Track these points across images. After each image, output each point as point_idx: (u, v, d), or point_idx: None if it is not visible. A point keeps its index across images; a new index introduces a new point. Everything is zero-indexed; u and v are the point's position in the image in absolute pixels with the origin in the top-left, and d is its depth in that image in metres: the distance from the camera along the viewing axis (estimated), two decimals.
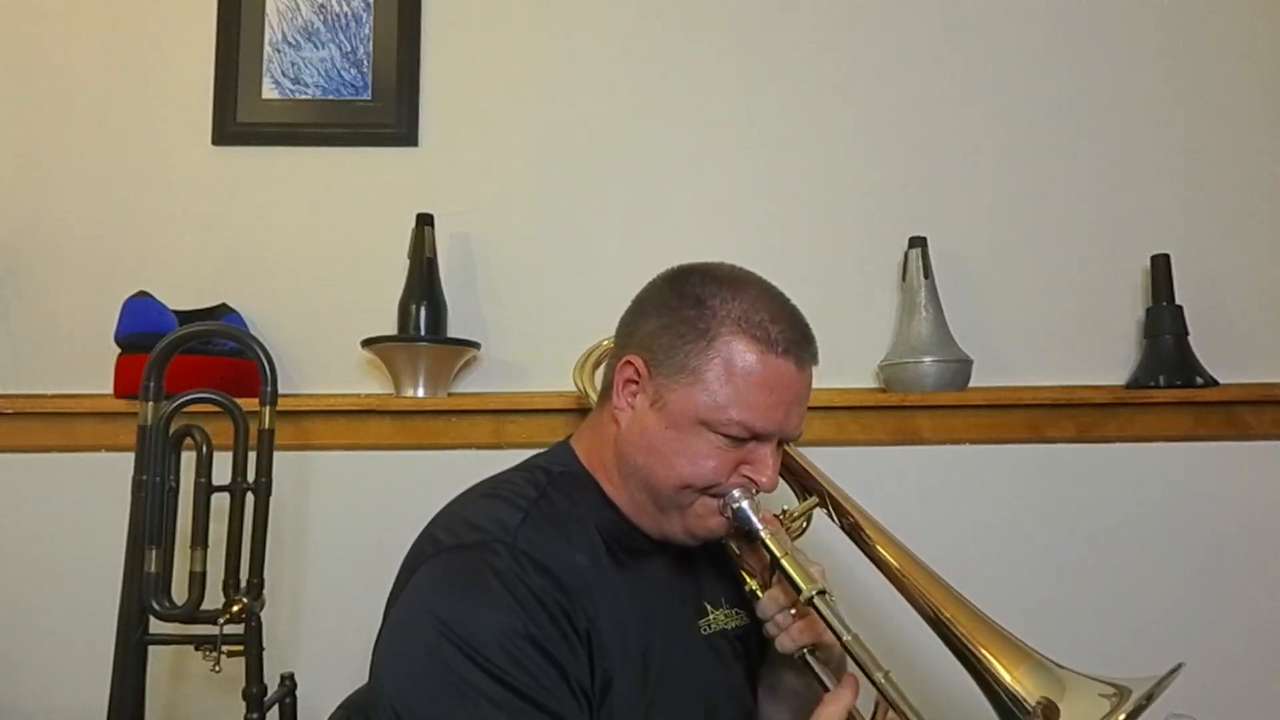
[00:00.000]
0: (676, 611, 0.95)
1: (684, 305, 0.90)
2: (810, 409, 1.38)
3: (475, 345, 1.43)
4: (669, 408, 0.88)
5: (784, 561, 0.87)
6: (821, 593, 0.84)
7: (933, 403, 1.41)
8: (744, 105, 1.53)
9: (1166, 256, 1.46)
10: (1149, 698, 0.78)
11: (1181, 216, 1.52)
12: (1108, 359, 1.49)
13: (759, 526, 0.89)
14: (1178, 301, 1.44)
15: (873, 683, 0.80)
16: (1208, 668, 1.41)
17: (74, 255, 1.48)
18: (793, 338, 0.89)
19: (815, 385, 1.42)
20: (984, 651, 0.84)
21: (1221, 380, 1.43)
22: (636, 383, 0.92)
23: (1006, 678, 0.81)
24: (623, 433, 0.92)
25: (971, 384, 1.43)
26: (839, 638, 0.82)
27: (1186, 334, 1.44)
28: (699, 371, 0.87)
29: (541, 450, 1.02)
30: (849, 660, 0.84)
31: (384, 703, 0.80)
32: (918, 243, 1.46)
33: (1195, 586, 1.43)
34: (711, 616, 0.98)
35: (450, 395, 1.42)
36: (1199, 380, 1.41)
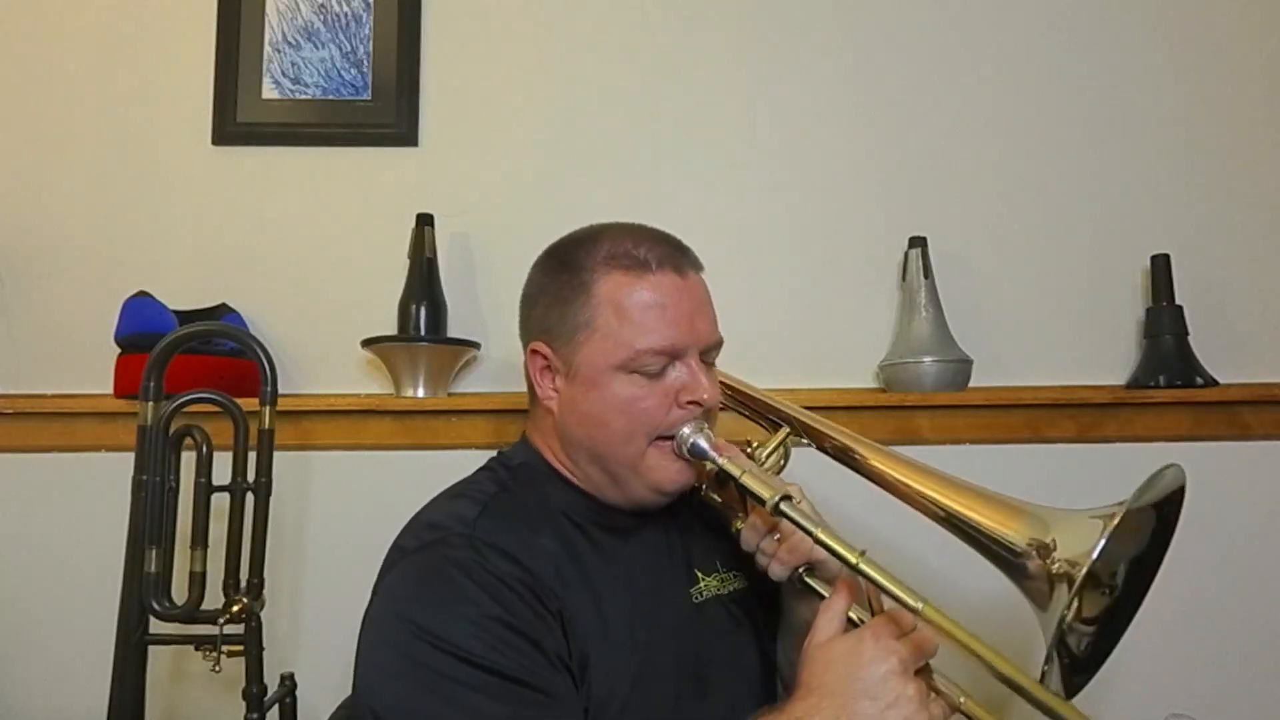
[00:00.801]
0: (665, 583, 0.95)
1: (556, 274, 0.93)
2: (810, 409, 1.40)
3: (475, 345, 1.43)
4: (582, 371, 0.89)
5: (744, 479, 0.86)
6: (786, 498, 0.83)
7: (933, 403, 1.41)
8: (744, 105, 1.53)
9: (1166, 256, 1.46)
10: (1146, 502, 0.78)
11: (1181, 216, 1.52)
12: (1108, 359, 1.49)
13: (714, 454, 0.88)
14: (1178, 301, 1.44)
15: (851, 568, 0.78)
16: (1208, 668, 1.42)
17: (74, 255, 1.47)
18: (664, 251, 0.90)
19: (815, 385, 1.46)
20: (985, 520, 0.83)
21: (1221, 380, 1.43)
22: (549, 366, 0.93)
23: (1003, 531, 0.81)
24: (559, 418, 0.93)
25: (971, 384, 1.43)
26: (810, 534, 0.80)
27: (1186, 334, 1.44)
28: (592, 323, 0.88)
29: (504, 448, 1.03)
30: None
31: (366, 713, 0.81)
32: (918, 243, 1.46)
33: (1195, 586, 1.43)
34: (703, 584, 0.98)
35: (450, 395, 1.42)
36: (1199, 380, 1.41)
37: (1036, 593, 0.76)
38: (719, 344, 0.94)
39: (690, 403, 0.89)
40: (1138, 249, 1.49)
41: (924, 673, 0.76)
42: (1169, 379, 1.41)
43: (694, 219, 1.50)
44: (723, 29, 1.54)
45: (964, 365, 1.42)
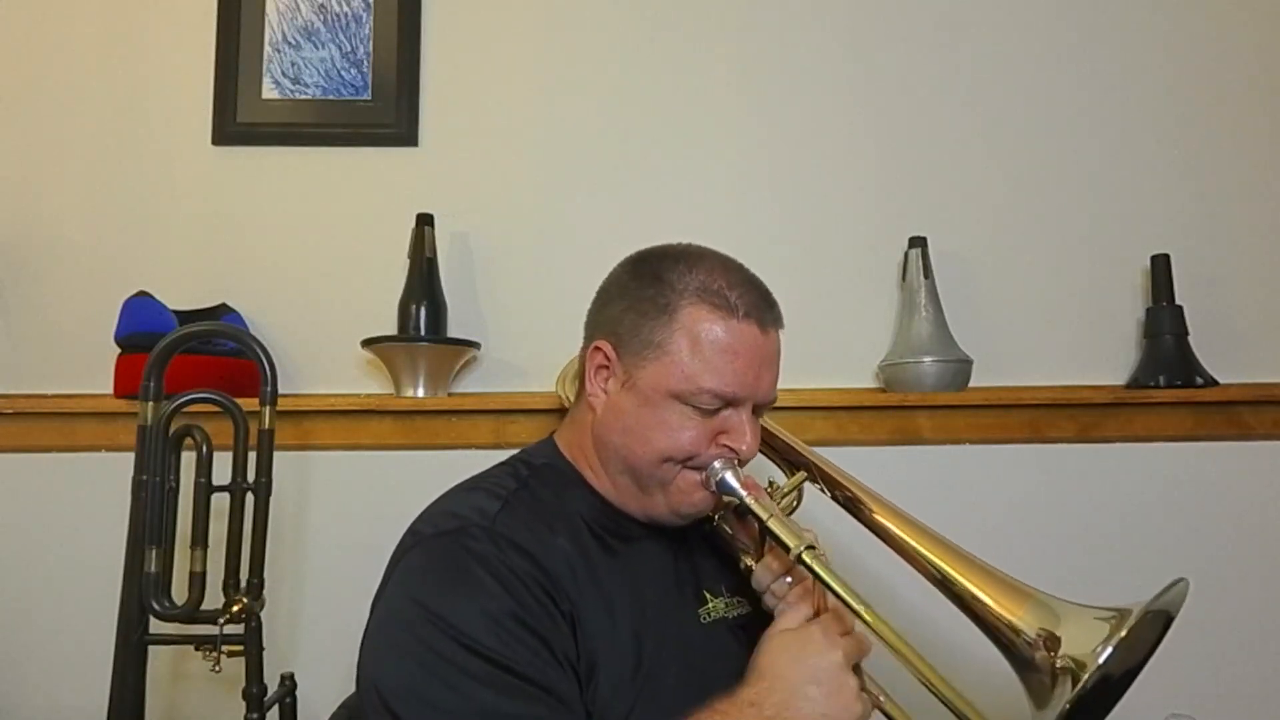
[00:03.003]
0: (672, 598, 0.95)
1: (643, 285, 0.92)
2: (810, 409, 1.42)
3: (475, 345, 1.43)
4: (639, 386, 0.90)
5: (770, 523, 0.88)
6: (810, 548, 0.85)
7: (933, 403, 1.41)
8: (744, 106, 1.53)
9: (1166, 256, 1.46)
10: (1153, 613, 0.79)
11: (1181, 216, 1.52)
12: (1108, 359, 1.49)
13: (743, 493, 0.89)
14: (1178, 301, 1.44)
15: (863, 621, 0.82)
16: (1208, 668, 1.42)
17: (74, 255, 1.48)
18: (753, 301, 0.91)
19: (815, 385, 1.45)
20: (988, 600, 0.84)
21: (1221, 380, 1.43)
22: (607, 367, 0.93)
23: (1009, 618, 0.82)
24: (599, 418, 0.94)
25: (971, 384, 1.43)
26: (829, 588, 0.83)
27: (1186, 334, 1.44)
28: (664, 345, 0.89)
29: (516, 449, 1.03)
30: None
31: (371, 693, 0.81)
32: (918, 243, 1.46)
33: (1195, 586, 1.42)
34: (711, 605, 0.98)
35: (450, 395, 1.42)
36: (1199, 380, 1.41)
37: (1036, 684, 0.77)
38: (773, 402, 0.95)
39: (728, 447, 0.90)
40: (1138, 249, 1.49)
41: (858, 670, 0.82)
42: (1169, 379, 1.41)
43: (694, 219, 1.51)
44: (723, 30, 1.54)
45: (964, 365, 1.42)
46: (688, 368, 0.88)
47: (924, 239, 1.46)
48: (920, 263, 1.45)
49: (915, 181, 1.52)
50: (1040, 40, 1.55)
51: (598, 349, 0.94)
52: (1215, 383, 1.42)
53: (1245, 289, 1.51)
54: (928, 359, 1.39)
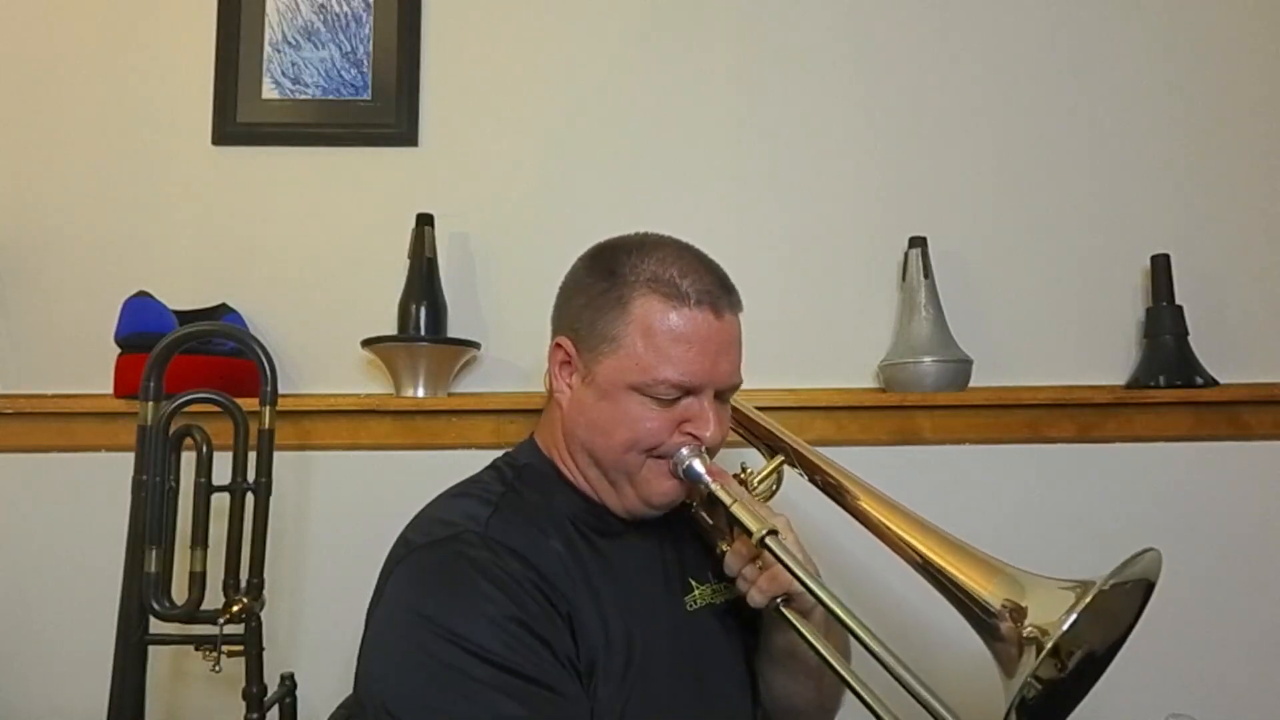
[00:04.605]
0: (658, 589, 0.96)
1: (597, 279, 0.93)
2: (810, 409, 1.42)
3: (475, 345, 1.43)
4: (598, 380, 0.91)
5: (734, 508, 0.88)
6: (772, 532, 0.85)
7: (933, 403, 1.41)
8: (744, 106, 1.53)
9: (1166, 256, 1.46)
10: (1129, 583, 0.80)
11: (1181, 216, 1.52)
12: (1108, 359, 1.49)
13: (708, 479, 0.90)
14: (1178, 301, 1.44)
15: (827, 609, 0.81)
16: (1208, 668, 1.42)
17: (74, 255, 1.48)
18: (705, 287, 0.90)
19: (815, 385, 1.45)
20: (956, 573, 0.86)
21: (1221, 380, 1.43)
22: (569, 363, 0.95)
23: (976, 590, 0.83)
24: (565, 414, 0.95)
25: (971, 384, 1.43)
26: (792, 573, 0.84)
27: (1186, 334, 1.44)
28: (619, 339, 0.89)
29: (509, 449, 1.04)
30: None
31: (376, 708, 0.80)
32: (918, 243, 1.46)
33: (1195, 586, 1.43)
34: (697, 592, 0.98)
35: (450, 395, 1.42)
36: (1199, 380, 1.41)
37: (1004, 654, 0.78)
38: (737, 386, 0.95)
39: (691, 435, 0.90)
40: (1138, 249, 1.49)
41: None
42: (1169, 379, 1.41)
43: (693, 218, 1.49)
44: (722, 30, 1.54)
45: (964, 365, 1.42)
46: (643, 359, 0.88)
47: (924, 239, 1.46)
48: (920, 263, 1.45)
49: (915, 181, 1.52)
50: (1040, 40, 1.55)
51: (559, 346, 0.95)
52: (1215, 383, 1.42)
53: (1245, 289, 1.51)
54: (928, 359, 1.39)
